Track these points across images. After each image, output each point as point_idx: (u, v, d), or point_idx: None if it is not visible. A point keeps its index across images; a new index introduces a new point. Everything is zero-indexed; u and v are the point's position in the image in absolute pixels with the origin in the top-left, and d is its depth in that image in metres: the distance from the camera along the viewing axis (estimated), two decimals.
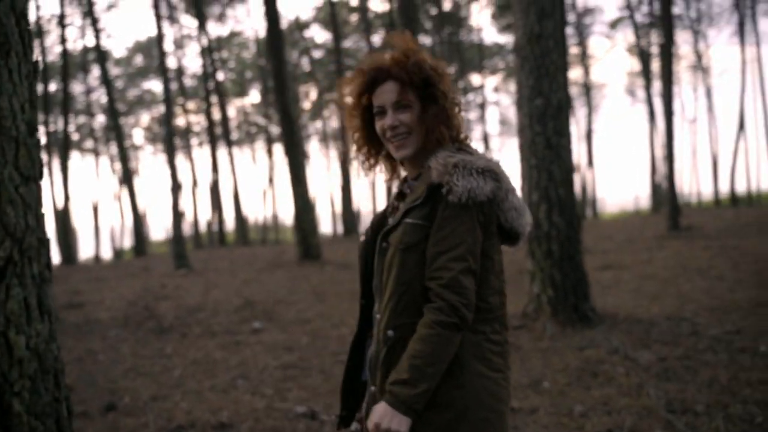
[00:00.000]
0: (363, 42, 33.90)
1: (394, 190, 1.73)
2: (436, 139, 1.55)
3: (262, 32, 32.92)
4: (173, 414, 3.74)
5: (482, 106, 40.34)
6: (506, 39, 38.06)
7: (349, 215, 25.54)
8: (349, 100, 1.66)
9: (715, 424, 3.30)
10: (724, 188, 38.02)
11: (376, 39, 33.45)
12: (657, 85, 32.76)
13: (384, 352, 1.50)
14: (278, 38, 12.63)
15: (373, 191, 30.76)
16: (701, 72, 36.88)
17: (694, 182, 41.89)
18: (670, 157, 17.10)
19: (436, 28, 30.19)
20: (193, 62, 53.15)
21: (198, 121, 36.44)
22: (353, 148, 1.71)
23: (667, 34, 16.86)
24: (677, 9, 29.48)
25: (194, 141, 37.83)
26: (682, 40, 35.97)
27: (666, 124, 16.82)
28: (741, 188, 36.78)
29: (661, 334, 5.01)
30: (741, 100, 34.35)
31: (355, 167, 1.85)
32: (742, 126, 32.80)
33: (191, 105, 34.74)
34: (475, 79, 40.25)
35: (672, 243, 12.91)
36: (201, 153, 36.82)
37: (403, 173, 1.71)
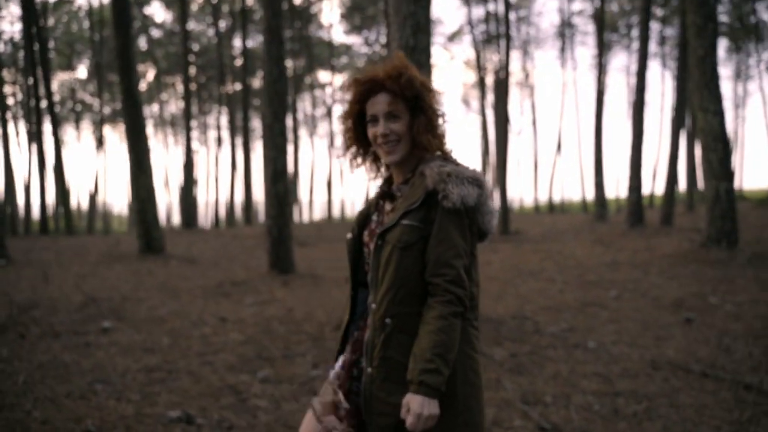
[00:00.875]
0: (211, 29, 32.59)
1: (375, 189, 1.94)
2: (423, 146, 1.76)
3: (97, 2, 30.27)
4: (27, 425, 3.38)
5: (327, 105, 40.80)
6: (354, 39, 39.00)
7: (189, 207, 24.39)
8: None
9: (563, 413, 3.74)
10: (542, 196, 42.17)
11: (223, 24, 32.33)
12: (489, 98, 35.53)
13: (382, 338, 1.69)
14: (125, 13, 11.71)
15: (207, 183, 29.60)
16: (528, 89, 40.59)
17: (517, 190, 46.03)
18: (503, 165, 18.65)
19: (287, 22, 29.97)
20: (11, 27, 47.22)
21: (13, 92, 32.50)
22: (343, 146, 1.91)
23: (505, 52, 18.36)
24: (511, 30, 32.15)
25: (8, 115, 33.67)
26: (512, 58, 39.28)
27: (503, 134, 18.34)
28: (556, 197, 41.14)
29: (509, 332, 5.53)
30: (560, 117, 38.41)
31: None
32: (559, 144, 36.67)
33: (6, 74, 30.85)
34: (324, 76, 40.63)
35: (503, 246, 14.08)
36: (17, 130, 32.76)
37: (384, 173, 1.91)
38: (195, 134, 39.31)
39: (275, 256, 9.20)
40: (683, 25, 16.44)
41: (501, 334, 5.41)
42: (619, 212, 28.86)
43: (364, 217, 1.91)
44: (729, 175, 9.03)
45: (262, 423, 3.51)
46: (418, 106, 1.76)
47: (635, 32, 40.00)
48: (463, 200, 1.65)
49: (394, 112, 1.75)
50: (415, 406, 1.57)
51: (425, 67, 5.34)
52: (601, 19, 21.12)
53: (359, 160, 1.91)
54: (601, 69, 22.96)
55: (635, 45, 41.29)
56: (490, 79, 35.21)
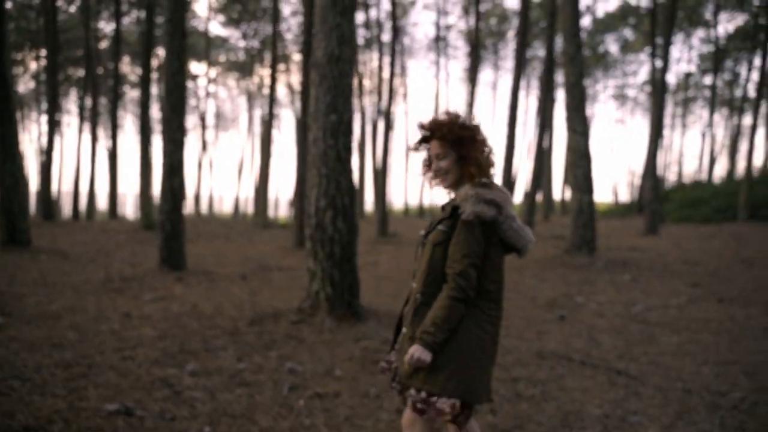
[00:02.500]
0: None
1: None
2: (468, 176, 2.36)
3: None
4: None
5: (198, 97, 39.46)
6: (230, 33, 38.02)
7: (48, 196, 22.51)
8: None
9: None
10: (411, 199, 43.76)
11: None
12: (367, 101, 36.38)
13: (413, 309, 2.34)
14: None
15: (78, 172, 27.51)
16: (402, 97, 42.01)
17: (388, 193, 47.47)
18: (384, 171, 19.34)
19: (160, 9, 28.62)
20: None
21: None
22: (421, 172, 2.54)
23: (392, 61, 19.05)
24: (386, 37, 33.17)
25: None
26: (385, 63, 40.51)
27: (384, 141, 19.00)
28: (426, 201, 42.95)
29: None
30: None
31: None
32: None
33: None
34: (199, 67, 39.20)
35: (385, 248, 14.68)
36: None
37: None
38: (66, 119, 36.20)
39: (167, 251, 8.98)
40: (549, 50, 18.12)
41: None
42: None
43: (431, 224, 2.47)
44: (591, 188, 10.24)
45: (204, 413, 3.62)
46: (461, 147, 2.34)
47: (503, 51, 43.00)
48: (477, 215, 2.24)
49: (442, 154, 2.37)
50: (412, 350, 2.22)
51: (348, 76, 5.64)
52: (476, 38, 22.56)
53: (433, 181, 2.49)
54: (474, 83, 24.56)
55: (502, 63, 44.37)
56: (368, 82, 36.08)
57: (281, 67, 33.09)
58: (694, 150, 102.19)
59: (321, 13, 5.55)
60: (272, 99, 20.02)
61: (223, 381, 4.18)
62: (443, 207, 2.44)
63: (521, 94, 19.47)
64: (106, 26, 30.54)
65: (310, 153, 5.72)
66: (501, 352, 5.40)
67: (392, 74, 18.76)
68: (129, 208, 40.35)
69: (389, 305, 6.99)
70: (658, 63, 21.96)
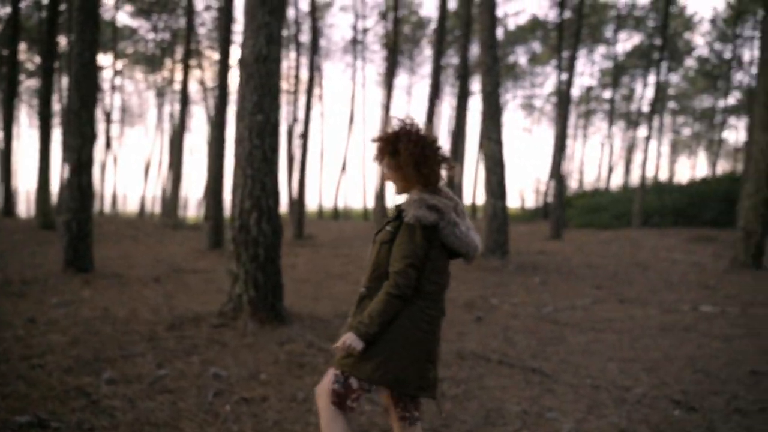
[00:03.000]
0: None
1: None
2: (407, 182, 2.53)
3: None
4: None
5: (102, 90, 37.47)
6: (139, 23, 36.41)
7: None
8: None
9: None
10: (326, 202, 43.62)
11: None
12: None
13: (357, 301, 2.54)
14: None
15: None
16: (318, 98, 41.80)
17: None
18: (302, 173, 19.18)
19: None
20: None
21: None
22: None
23: (311, 62, 18.93)
24: (304, 37, 32.97)
25: None
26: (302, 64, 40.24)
27: (302, 143, 18.85)
28: (340, 204, 42.93)
29: (335, 329, 5.98)
30: (349, 128, 40.23)
31: None
32: (345, 160, 38.40)
33: None
34: (105, 59, 37.17)
35: (301, 250, 14.57)
36: None
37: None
38: None
39: (73, 253, 8.47)
40: (463, 59, 18.69)
41: (331, 331, 5.83)
42: None
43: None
44: (504, 194, 10.66)
45: (124, 422, 3.46)
46: (406, 157, 2.48)
47: (419, 58, 43.79)
48: (418, 219, 2.39)
49: (388, 164, 2.55)
50: (345, 337, 2.40)
51: (276, 76, 5.58)
52: (395, 42, 22.87)
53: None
54: (390, 88, 24.87)
55: (418, 69, 45.19)
56: (284, 83, 35.65)
57: (193, 62, 32.03)
58: (593, 159, 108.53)
59: (249, 11, 5.46)
60: (185, 96, 19.36)
61: (144, 388, 4.02)
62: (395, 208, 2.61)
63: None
64: (1, 9, 28.42)
65: (235, 153, 5.60)
66: None
67: (311, 75, 18.66)
68: (21, 205, 37.63)
69: (311, 308, 6.96)
70: (564, 76, 23.17)
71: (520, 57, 44.65)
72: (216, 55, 33.33)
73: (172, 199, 19.68)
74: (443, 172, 2.55)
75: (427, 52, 42.82)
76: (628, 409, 4.41)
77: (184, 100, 19.33)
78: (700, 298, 9.29)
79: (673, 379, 5.10)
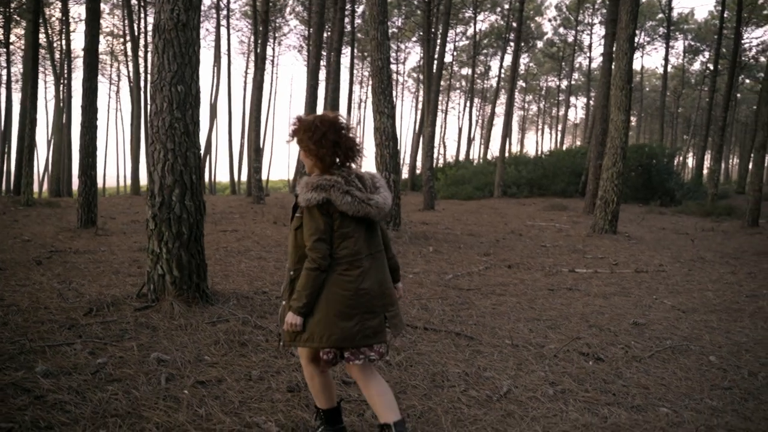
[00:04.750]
0: None
1: None
2: (316, 167, 2.86)
3: None
4: None
5: None
6: None
7: None
8: None
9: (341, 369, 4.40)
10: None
11: None
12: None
13: (288, 283, 2.84)
14: None
15: None
16: None
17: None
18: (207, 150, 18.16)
19: None
20: None
21: None
22: None
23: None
24: None
25: None
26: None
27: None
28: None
29: (263, 305, 5.91)
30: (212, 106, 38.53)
31: None
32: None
33: None
34: None
35: None
36: None
37: None
38: None
39: None
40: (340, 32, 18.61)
41: (262, 308, 5.75)
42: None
43: None
44: (398, 168, 10.94)
45: (83, 416, 3.23)
46: (304, 143, 2.84)
47: (285, 28, 42.80)
48: (307, 201, 2.70)
49: (300, 151, 2.90)
50: (287, 317, 2.78)
51: (196, 45, 5.28)
52: (266, 12, 22.18)
53: None
54: (257, 60, 24.11)
55: (284, 39, 44.15)
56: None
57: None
58: (452, 133, 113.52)
59: None
60: (36, 53, 17.42)
61: (88, 379, 3.75)
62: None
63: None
64: None
65: (153, 126, 5.24)
66: None
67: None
68: None
69: (227, 285, 6.79)
70: (432, 53, 23.93)
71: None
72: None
73: (27, 173, 17.76)
74: (347, 155, 2.87)
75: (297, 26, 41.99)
76: (548, 364, 4.89)
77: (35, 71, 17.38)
78: (573, 261, 10.32)
79: (574, 334, 5.70)
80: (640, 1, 13.12)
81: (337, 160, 2.84)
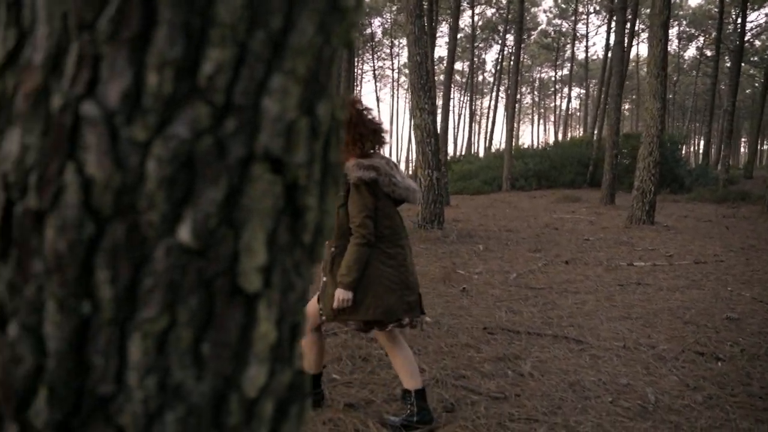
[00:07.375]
0: None
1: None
2: (351, 151, 2.92)
3: None
4: None
5: None
6: None
7: None
8: None
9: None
10: None
11: None
12: None
13: (330, 260, 2.98)
14: None
15: None
16: None
17: None
18: None
19: None
20: None
21: None
22: None
23: None
24: None
25: None
26: None
27: None
28: None
29: None
30: None
31: None
32: None
33: None
34: None
35: None
36: None
37: None
38: None
39: None
40: None
41: None
42: None
43: None
44: (440, 165, 10.69)
45: None
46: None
47: None
48: (360, 179, 2.86)
49: None
50: (337, 293, 2.89)
51: None
52: None
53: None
54: None
55: None
56: None
57: None
58: (451, 129, 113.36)
59: None
60: None
61: None
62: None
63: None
64: None
65: None
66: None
67: None
68: None
69: None
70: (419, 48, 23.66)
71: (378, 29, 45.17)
72: None
73: None
74: (378, 142, 3.00)
75: None
76: (673, 366, 4.66)
77: None
78: (624, 254, 10.11)
79: (676, 332, 5.48)
80: None
81: (369, 144, 2.98)
